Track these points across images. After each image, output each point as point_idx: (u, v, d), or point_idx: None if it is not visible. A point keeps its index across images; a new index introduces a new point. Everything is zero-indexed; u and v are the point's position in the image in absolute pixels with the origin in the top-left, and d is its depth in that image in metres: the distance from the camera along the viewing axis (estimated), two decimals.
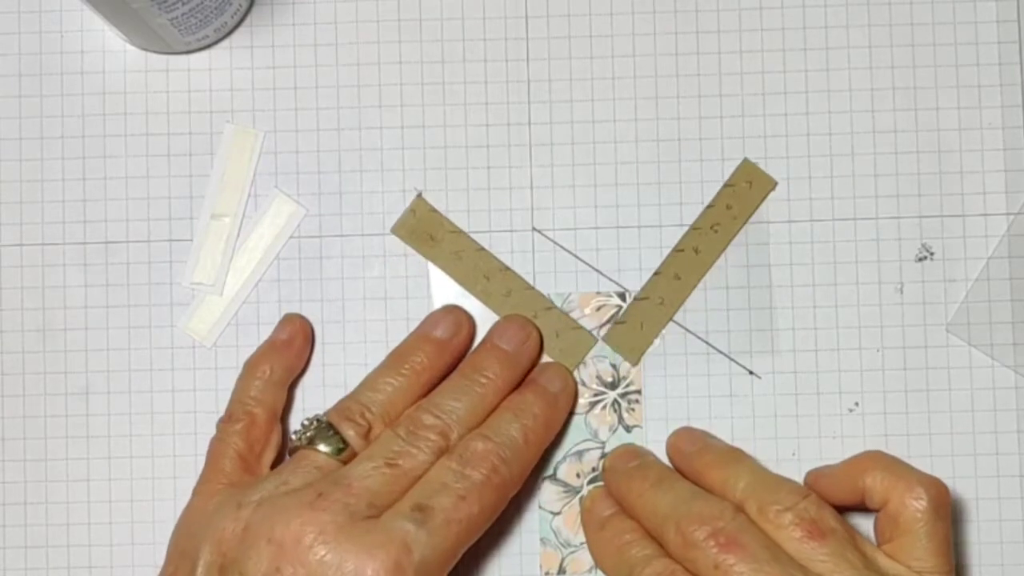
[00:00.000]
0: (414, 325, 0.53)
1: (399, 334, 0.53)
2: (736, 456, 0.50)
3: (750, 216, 0.53)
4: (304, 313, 0.53)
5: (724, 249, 0.53)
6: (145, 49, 0.54)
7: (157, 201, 0.54)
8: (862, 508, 0.49)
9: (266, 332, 0.53)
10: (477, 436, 0.49)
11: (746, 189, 0.53)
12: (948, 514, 0.48)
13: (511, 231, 0.54)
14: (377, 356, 0.53)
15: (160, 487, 0.53)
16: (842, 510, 0.49)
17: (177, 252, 0.54)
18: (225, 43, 0.54)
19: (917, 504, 0.47)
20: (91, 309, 0.54)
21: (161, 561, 0.52)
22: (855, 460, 0.50)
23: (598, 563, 0.50)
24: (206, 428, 0.53)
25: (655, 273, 0.53)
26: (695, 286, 0.53)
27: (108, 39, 0.54)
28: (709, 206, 0.53)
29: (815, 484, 0.50)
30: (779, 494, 0.47)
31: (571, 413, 0.53)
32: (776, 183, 0.53)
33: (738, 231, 0.53)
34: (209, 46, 0.54)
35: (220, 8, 0.51)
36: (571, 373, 0.53)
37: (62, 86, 0.54)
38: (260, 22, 0.54)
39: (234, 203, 0.54)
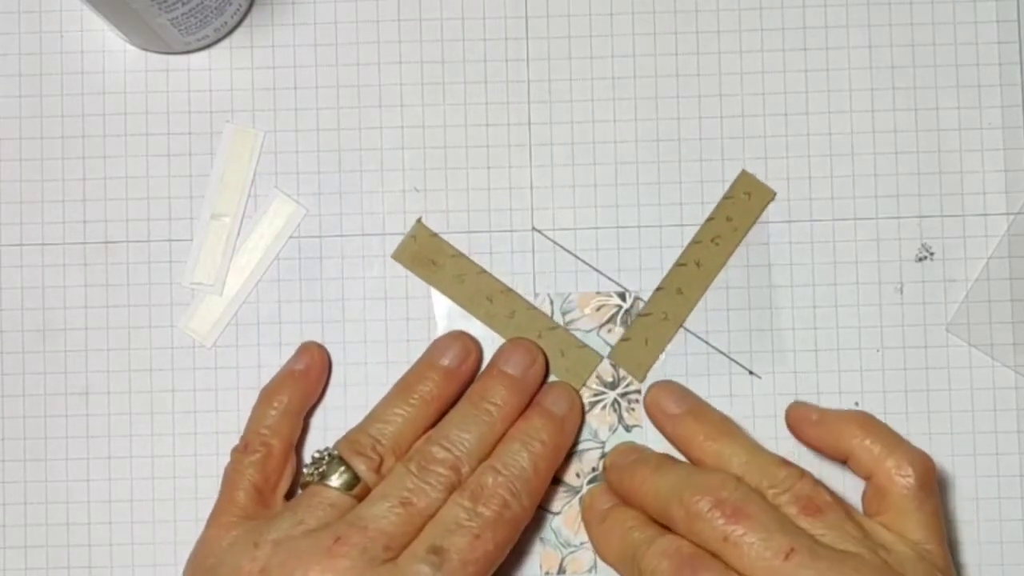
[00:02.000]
0: (414, 325, 0.53)
1: (399, 334, 0.53)
2: (728, 429, 0.50)
3: (750, 227, 0.53)
4: (304, 313, 0.53)
5: (726, 261, 0.53)
6: (145, 49, 0.54)
7: (157, 201, 0.54)
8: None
9: (266, 332, 0.53)
10: (487, 470, 0.49)
11: (745, 200, 0.53)
12: (935, 488, 0.48)
13: (511, 231, 0.54)
14: (377, 356, 0.53)
15: (160, 487, 0.53)
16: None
17: (177, 252, 0.54)
18: (225, 43, 0.54)
19: (905, 481, 0.48)
20: (91, 309, 0.54)
21: (160, 561, 0.53)
22: (844, 418, 0.50)
23: (602, 556, 0.50)
24: (206, 428, 0.53)
25: (658, 288, 0.53)
26: (698, 300, 0.53)
27: (108, 39, 0.54)
28: (709, 219, 0.53)
29: (798, 427, 0.50)
30: (776, 476, 0.48)
31: (579, 432, 0.53)
32: (775, 193, 0.53)
33: (739, 243, 0.53)
34: (209, 46, 0.54)
35: (220, 8, 0.51)
36: (576, 392, 0.53)
37: (62, 86, 0.54)
38: (260, 22, 0.54)
39: (234, 203, 0.54)
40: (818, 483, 0.48)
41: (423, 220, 0.54)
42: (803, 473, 0.48)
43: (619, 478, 0.51)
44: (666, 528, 0.48)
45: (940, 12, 0.54)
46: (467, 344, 0.52)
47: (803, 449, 0.52)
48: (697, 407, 0.51)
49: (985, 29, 0.54)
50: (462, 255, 0.53)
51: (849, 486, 0.51)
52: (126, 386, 0.53)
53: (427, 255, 0.53)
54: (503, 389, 0.50)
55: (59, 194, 0.54)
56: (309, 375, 0.52)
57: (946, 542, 0.48)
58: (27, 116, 0.54)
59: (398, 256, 0.53)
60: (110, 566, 0.53)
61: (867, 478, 0.49)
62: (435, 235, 0.53)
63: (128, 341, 0.54)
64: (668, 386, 0.52)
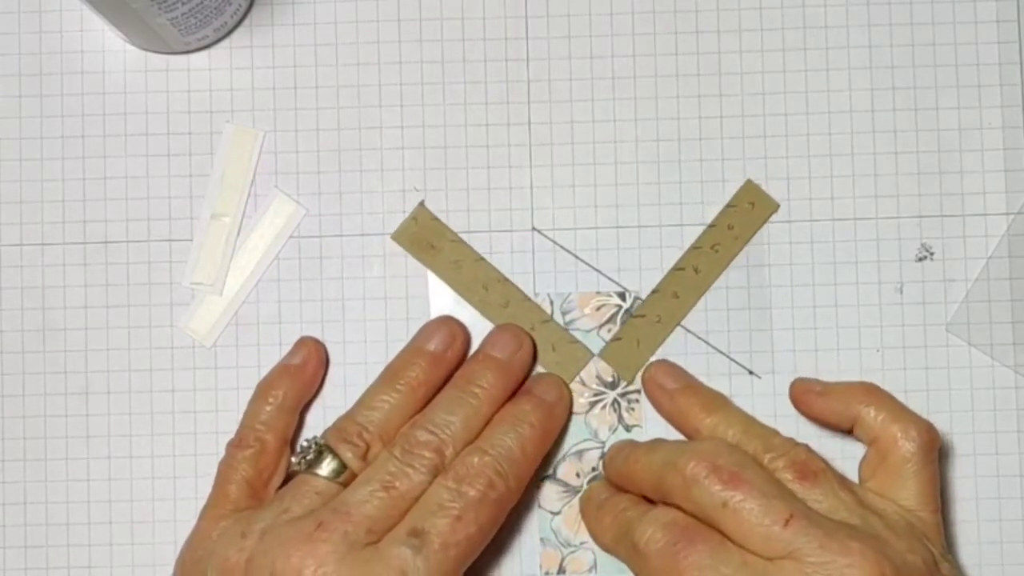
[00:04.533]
0: (414, 325, 0.53)
1: (399, 334, 0.53)
2: (722, 402, 0.51)
3: (751, 237, 0.53)
4: (304, 313, 0.53)
5: (724, 269, 0.53)
6: (145, 49, 0.54)
7: (157, 201, 0.54)
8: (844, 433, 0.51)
9: (266, 332, 0.53)
10: (473, 450, 0.48)
11: (748, 210, 0.53)
12: (935, 459, 0.49)
13: (511, 231, 0.54)
14: (377, 356, 0.53)
15: (160, 487, 0.53)
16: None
17: (177, 252, 0.54)
18: (225, 43, 0.54)
19: (908, 446, 0.48)
20: (91, 309, 0.54)
21: (160, 561, 0.53)
22: (851, 388, 0.50)
23: (598, 541, 0.50)
24: (206, 428, 0.53)
25: (653, 291, 0.53)
26: (693, 305, 0.53)
27: (108, 39, 0.54)
28: (711, 225, 0.53)
29: (803, 399, 0.51)
30: (771, 443, 0.48)
31: (567, 422, 0.53)
32: (778, 205, 0.53)
33: (739, 252, 0.53)
34: (209, 46, 0.54)
35: (220, 8, 0.51)
36: (566, 384, 0.53)
37: (62, 86, 0.54)
38: (260, 22, 0.54)
39: (234, 203, 0.54)
40: (812, 451, 0.48)
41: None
42: (797, 442, 0.49)
43: (617, 469, 0.51)
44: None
45: (940, 12, 0.54)
46: (453, 329, 0.52)
47: (802, 434, 0.52)
48: (693, 383, 0.52)
49: (985, 29, 0.54)
50: (462, 241, 0.53)
51: (841, 464, 0.51)
52: (126, 386, 0.53)
53: (426, 238, 0.53)
54: (489, 372, 0.50)
55: (59, 194, 0.54)
56: (305, 370, 0.52)
57: (939, 513, 0.48)
58: (27, 116, 0.54)
59: (397, 237, 0.53)
60: (110, 566, 0.53)
61: (870, 443, 0.49)
62: (436, 218, 0.53)
63: (128, 341, 0.54)
64: (666, 364, 0.53)
